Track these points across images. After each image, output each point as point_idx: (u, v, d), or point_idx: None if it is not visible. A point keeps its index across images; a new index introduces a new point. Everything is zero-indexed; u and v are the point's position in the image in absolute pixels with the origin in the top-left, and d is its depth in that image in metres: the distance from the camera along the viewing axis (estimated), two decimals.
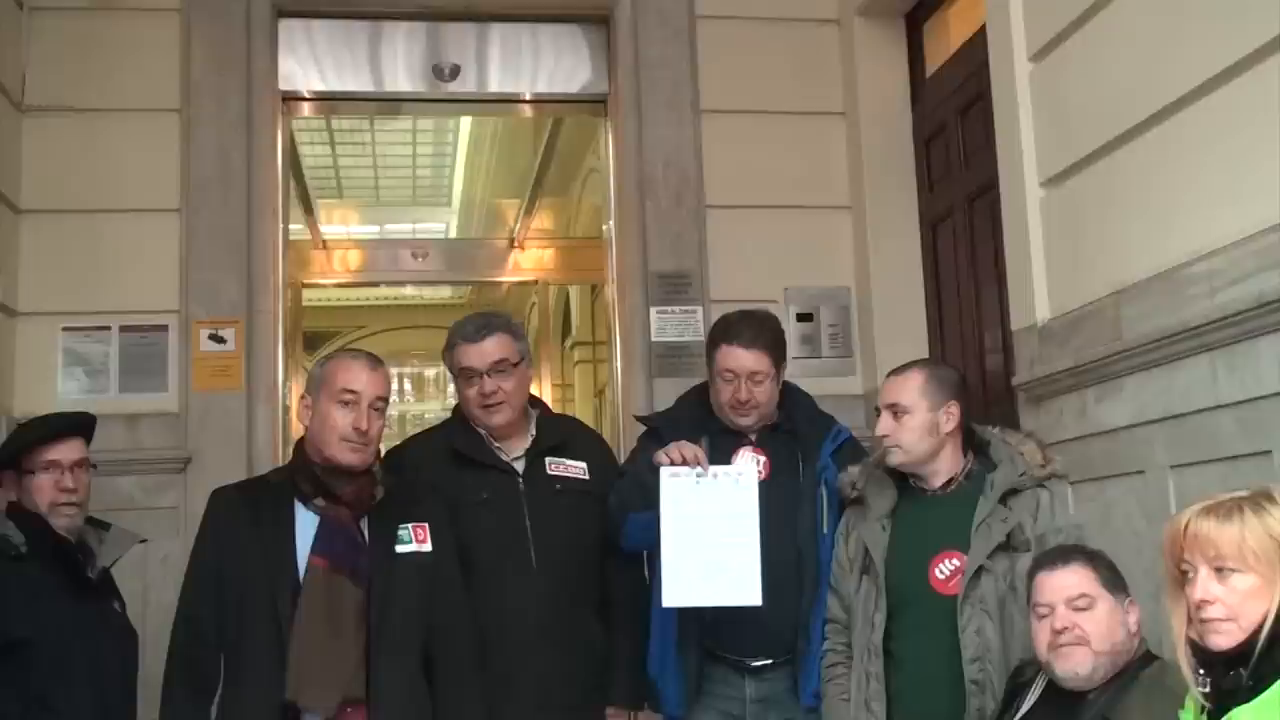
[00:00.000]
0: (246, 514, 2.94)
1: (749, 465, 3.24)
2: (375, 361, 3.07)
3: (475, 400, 3.33)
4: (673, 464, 3.15)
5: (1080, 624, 2.53)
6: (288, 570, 2.85)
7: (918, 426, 3.07)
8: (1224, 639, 2.03)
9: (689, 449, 3.17)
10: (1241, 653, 2.01)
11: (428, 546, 3.01)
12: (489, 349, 3.34)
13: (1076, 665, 2.52)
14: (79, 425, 3.47)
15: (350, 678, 2.80)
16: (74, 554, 3.25)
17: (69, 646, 3.11)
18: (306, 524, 2.91)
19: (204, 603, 2.90)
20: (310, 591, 2.81)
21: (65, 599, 3.16)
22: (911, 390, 3.10)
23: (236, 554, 2.89)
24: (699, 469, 3.15)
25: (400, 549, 2.97)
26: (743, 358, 3.32)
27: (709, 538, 3.10)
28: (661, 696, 3.28)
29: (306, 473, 2.96)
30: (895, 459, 3.10)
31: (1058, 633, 2.54)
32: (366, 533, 2.96)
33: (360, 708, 2.82)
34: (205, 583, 2.92)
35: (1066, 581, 2.58)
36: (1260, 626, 1.99)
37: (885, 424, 3.11)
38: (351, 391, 2.94)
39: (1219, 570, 2.04)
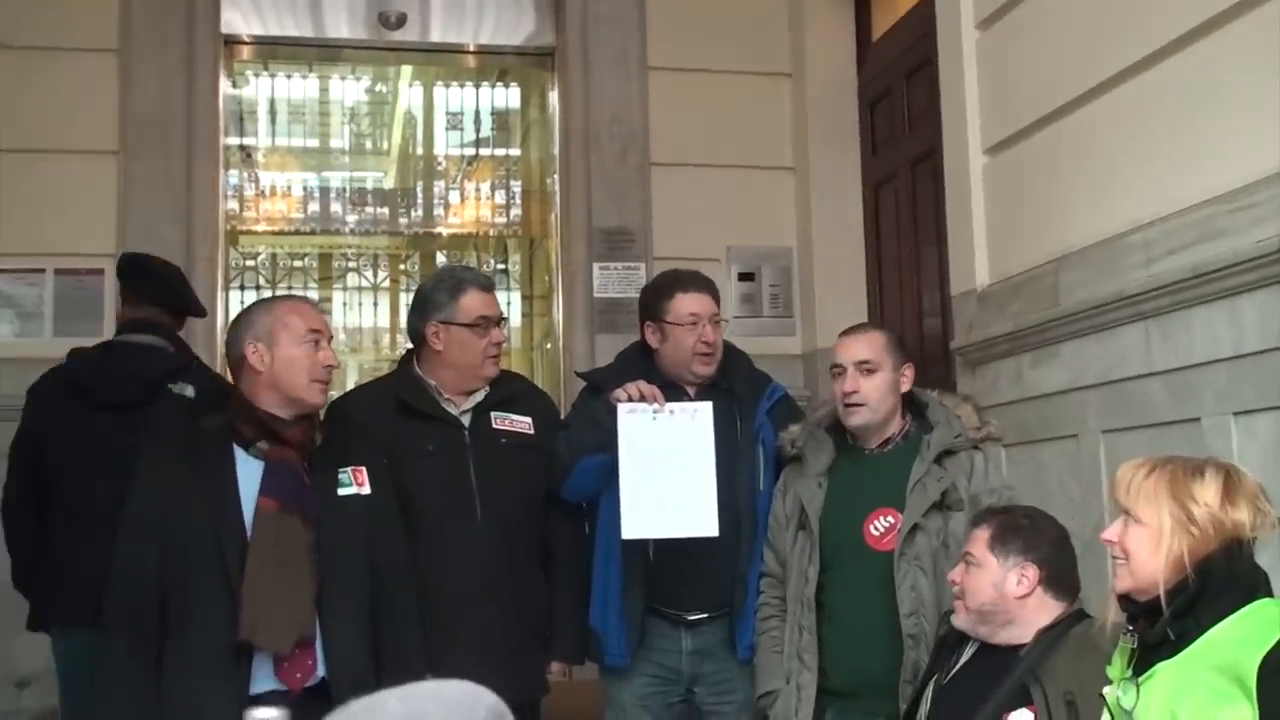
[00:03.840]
0: (184, 463, 2.89)
1: (704, 402, 3.27)
2: (317, 304, 3.15)
3: (483, 349, 3.33)
4: (629, 401, 3.19)
5: (964, 581, 2.64)
6: (233, 516, 2.83)
7: (883, 384, 3.10)
8: (1118, 581, 2.16)
9: (646, 387, 3.22)
10: (1157, 607, 2.08)
11: (366, 489, 3.01)
12: (495, 301, 3.39)
13: (955, 617, 2.66)
14: None
15: (304, 618, 2.80)
16: None
17: None
18: (249, 470, 2.88)
19: (143, 554, 2.84)
20: (260, 532, 2.79)
21: None
22: (878, 348, 3.13)
23: (177, 504, 2.84)
24: (655, 405, 3.20)
25: (342, 491, 2.97)
26: (704, 301, 3.40)
27: (666, 471, 3.16)
28: (604, 648, 3.31)
29: (249, 417, 2.93)
30: (860, 418, 3.10)
31: (951, 585, 2.69)
32: (308, 477, 2.95)
33: (310, 648, 2.82)
34: (144, 534, 2.85)
35: (969, 540, 2.69)
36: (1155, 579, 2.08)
37: (853, 381, 3.10)
38: (317, 330, 2.97)
39: (1126, 515, 2.15)
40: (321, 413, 3.10)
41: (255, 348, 2.95)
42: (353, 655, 2.87)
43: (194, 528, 2.83)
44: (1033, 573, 2.59)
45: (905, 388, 3.14)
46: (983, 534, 2.65)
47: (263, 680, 2.80)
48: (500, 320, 3.40)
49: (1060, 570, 2.63)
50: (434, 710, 1.16)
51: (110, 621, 2.87)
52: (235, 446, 2.92)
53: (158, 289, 3.88)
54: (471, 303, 3.34)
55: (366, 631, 2.94)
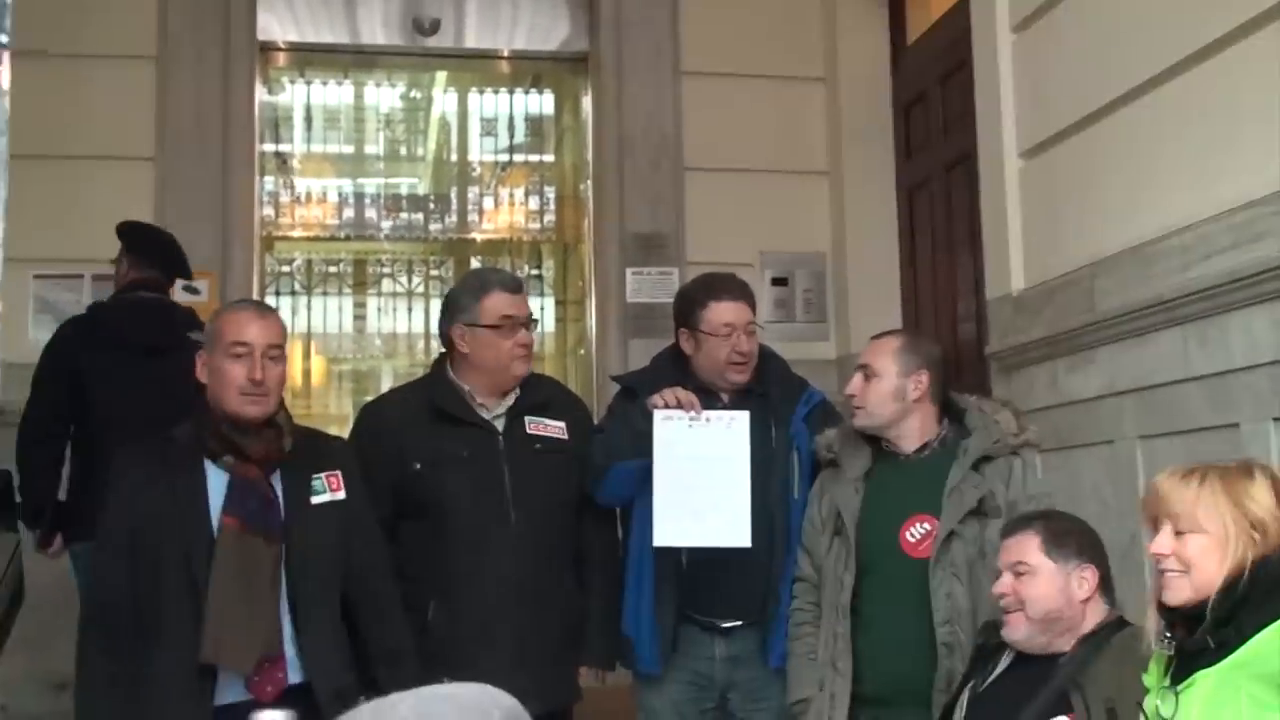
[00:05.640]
0: (157, 474, 2.90)
1: (741, 411, 3.26)
2: (264, 309, 3.07)
3: (510, 350, 3.30)
4: (667, 407, 3.19)
5: (1018, 590, 2.58)
6: (202, 531, 2.82)
7: (884, 390, 3.09)
8: (1175, 594, 2.10)
9: (683, 394, 3.21)
10: (1201, 614, 2.06)
11: (341, 494, 3.00)
12: (523, 301, 3.37)
13: (1012, 630, 2.59)
14: None
15: (267, 637, 2.81)
16: None
17: None
18: (218, 482, 2.87)
19: (116, 564, 2.87)
20: (223, 553, 2.80)
21: None
22: (884, 354, 3.13)
23: (147, 515, 2.85)
24: (692, 413, 3.18)
25: (315, 500, 2.97)
26: (739, 309, 3.36)
27: (700, 480, 3.14)
28: (636, 655, 3.31)
29: (213, 430, 2.91)
30: (859, 421, 3.13)
31: (998, 598, 2.61)
32: (279, 487, 2.94)
33: (279, 661, 2.83)
34: (117, 544, 2.88)
35: (1012, 548, 2.63)
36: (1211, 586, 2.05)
37: (855, 384, 3.15)
38: (242, 344, 2.88)
39: (1177, 529, 2.11)
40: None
41: (203, 358, 2.96)
42: (330, 665, 2.89)
43: (163, 542, 2.84)
44: (1091, 574, 2.57)
45: (914, 395, 3.09)
46: (1032, 540, 2.60)
47: (233, 692, 2.81)
48: (529, 321, 3.37)
49: (1108, 573, 2.61)
50: (447, 712, 1.15)
51: (85, 634, 2.89)
52: (205, 459, 2.90)
53: (163, 254, 4.37)
54: (495, 304, 3.31)
55: (343, 638, 2.97)
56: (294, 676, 2.85)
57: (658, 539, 3.16)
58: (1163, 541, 2.12)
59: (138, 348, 4.11)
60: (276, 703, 2.70)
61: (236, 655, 2.78)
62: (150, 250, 4.37)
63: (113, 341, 4.14)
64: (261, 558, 2.83)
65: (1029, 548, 2.60)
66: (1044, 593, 2.56)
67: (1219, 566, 2.05)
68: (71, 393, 4.13)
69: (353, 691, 2.88)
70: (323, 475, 2.99)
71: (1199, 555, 2.08)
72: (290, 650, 2.86)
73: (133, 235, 4.40)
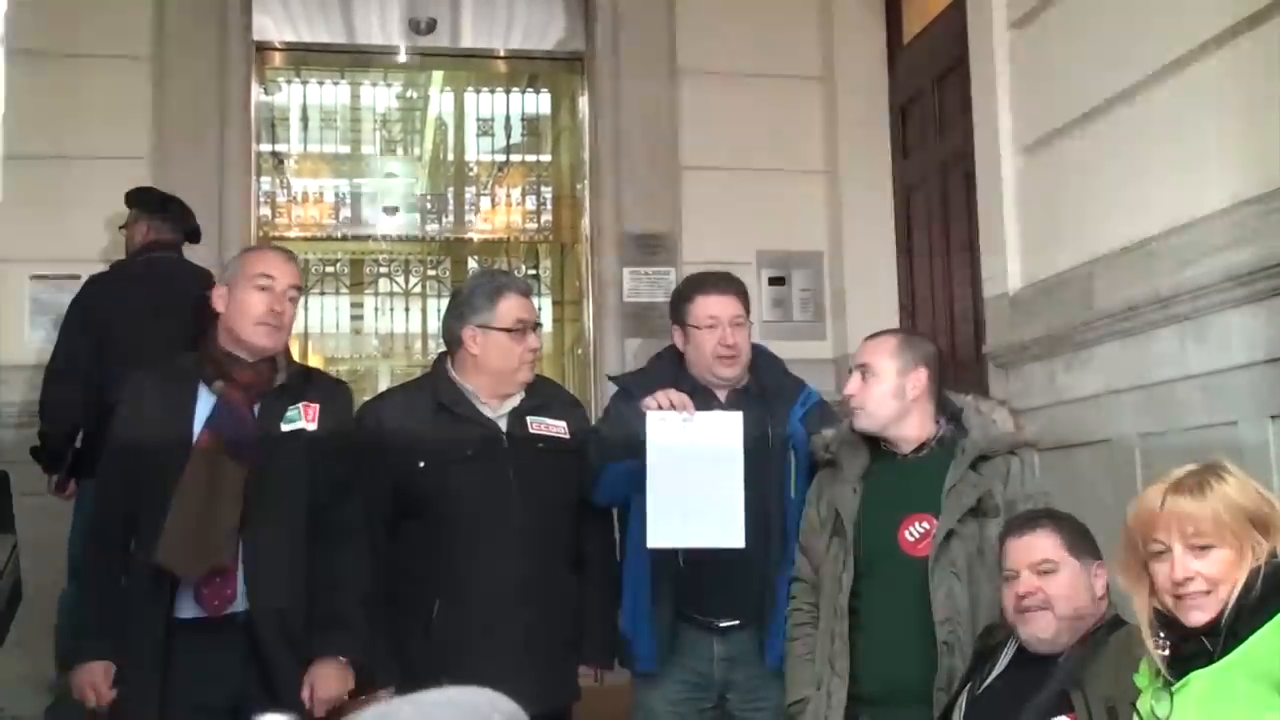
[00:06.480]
0: (156, 394, 3.11)
1: (734, 411, 3.26)
2: (289, 254, 3.29)
3: (520, 355, 3.32)
4: (660, 409, 3.19)
5: (1044, 588, 2.56)
6: (183, 447, 3.00)
7: (883, 390, 3.08)
8: (1203, 614, 2.06)
9: (676, 395, 3.20)
10: (1207, 623, 2.05)
11: (313, 425, 3.13)
12: (533, 306, 3.43)
13: (1039, 630, 2.56)
14: None
15: (220, 546, 2.94)
16: None
17: None
18: (206, 405, 3.06)
19: (114, 477, 3.12)
20: (192, 464, 2.97)
21: None
22: (882, 353, 3.12)
23: (139, 430, 3.07)
24: (685, 414, 3.18)
25: (286, 427, 3.11)
26: (725, 303, 3.36)
27: (694, 481, 3.14)
28: (633, 654, 3.31)
29: (211, 357, 3.11)
30: (860, 422, 3.11)
31: (1021, 597, 2.58)
32: (258, 414, 3.10)
33: (230, 577, 2.97)
34: (115, 458, 3.12)
35: (1031, 547, 2.61)
36: (1230, 597, 2.04)
37: (853, 384, 3.12)
38: (268, 276, 3.10)
39: (1193, 547, 2.07)
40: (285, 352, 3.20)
41: (220, 290, 3.15)
42: (275, 586, 3.02)
43: (151, 455, 3.03)
44: (1103, 572, 2.57)
45: (913, 394, 3.08)
46: (1051, 538, 2.60)
47: (186, 607, 2.97)
48: (537, 326, 3.39)
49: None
50: (447, 717, 1.15)
51: (88, 536, 3.21)
52: (201, 384, 3.09)
53: (178, 216, 4.62)
54: (510, 307, 3.32)
55: (294, 563, 3.07)
56: (240, 599, 3.00)
57: (651, 541, 3.16)
58: (1187, 564, 2.07)
59: (158, 303, 4.34)
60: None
61: (185, 561, 2.93)
62: (167, 213, 4.61)
63: (135, 296, 4.38)
64: (228, 475, 2.99)
65: (1050, 545, 2.59)
66: (1072, 590, 2.56)
67: (1240, 576, 2.04)
68: (94, 343, 4.35)
69: (299, 615, 3.01)
70: (300, 405, 3.14)
71: (1225, 570, 2.05)
72: (240, 573, 3.00)
73: (148, 199, 4.66)
